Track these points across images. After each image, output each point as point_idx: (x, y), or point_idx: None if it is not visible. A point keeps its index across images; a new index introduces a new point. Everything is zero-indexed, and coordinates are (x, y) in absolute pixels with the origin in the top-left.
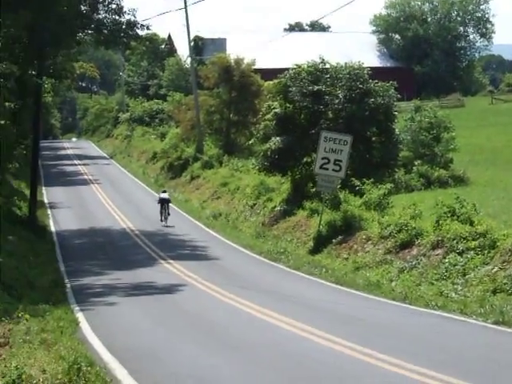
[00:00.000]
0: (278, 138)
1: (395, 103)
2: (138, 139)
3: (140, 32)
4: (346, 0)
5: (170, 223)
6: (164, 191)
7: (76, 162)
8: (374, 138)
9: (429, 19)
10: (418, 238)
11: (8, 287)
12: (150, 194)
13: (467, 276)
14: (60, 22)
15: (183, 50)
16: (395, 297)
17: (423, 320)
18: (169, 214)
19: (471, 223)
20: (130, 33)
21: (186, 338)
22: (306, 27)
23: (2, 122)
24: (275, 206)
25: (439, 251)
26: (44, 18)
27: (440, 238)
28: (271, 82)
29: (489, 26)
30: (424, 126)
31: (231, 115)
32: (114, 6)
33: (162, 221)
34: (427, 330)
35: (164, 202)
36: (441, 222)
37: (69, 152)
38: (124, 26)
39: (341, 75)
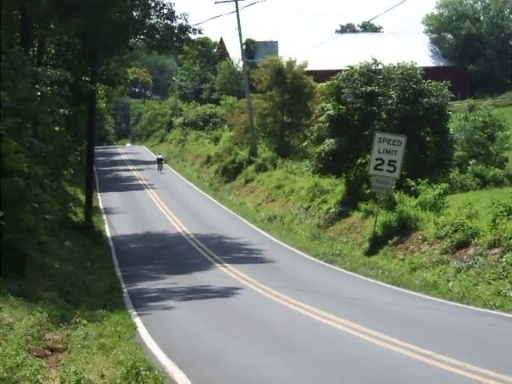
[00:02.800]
0: (331, 140)
1: (449, 103)
2: (191, 143)
3: (192, 36)
4: (397, 0)
5: (164, 172)
6: (159, 153)
7: (130, 167)
8: (428, 138)
9: (481, 18)
10: (474, 238)
11: (65, 293)
12: (204, 198)
13: None
14: (112, 29)
15: (235, 54)
16: (452, 297)
17: (481, 320)
18: (162, 168)
19: None
20: (182, 37)
21: (244, 341)
22: (358, 28)
23: (57, 128)
24: (330, 208)
25: (496, 250)
26: (96, 25)
27: (497, 238)
28: (324, 84)
29: None
30: (478, 125)
31: (284, 118)
32: (165, 11)
33: (158, 170)
34: (485, 330)
35: (159, 160)
36: (497, 221)
37: (123, 157)
38: (176, 31)
39: (394, 76)
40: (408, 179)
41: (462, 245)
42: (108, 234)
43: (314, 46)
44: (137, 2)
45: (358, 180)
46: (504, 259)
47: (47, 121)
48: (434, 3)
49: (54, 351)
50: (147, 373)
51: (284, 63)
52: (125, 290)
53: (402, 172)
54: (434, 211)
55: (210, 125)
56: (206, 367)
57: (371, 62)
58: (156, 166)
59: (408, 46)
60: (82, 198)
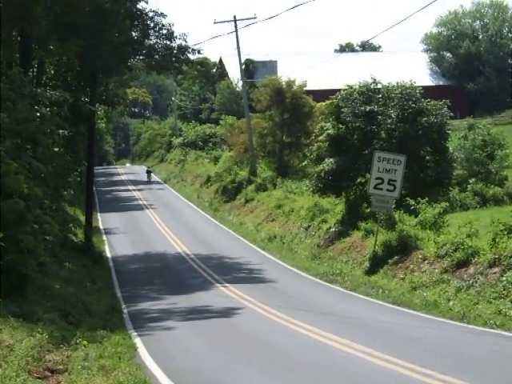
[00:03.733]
0: (331, 159)
1: (448, 122)
2: (191, 163)
3: (191, 56)
4: (396, 19)
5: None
6: (149, 167)
7: (130, 187)
8: (427, 157)
9: (480, 36)
10: (474, 257)
11: (66, 314)
12: (204, 218)
13: None
14: (111, 49)
15: (234, 74)
16: (453, 316)
17: (482, 339)
18: (150, 178)
19: None
20: (182, 57)
21: (244, 362)
22: (357, 48)
23: (57, 149)
24: (330, 228)
25: (496, 269)
26: (95, 46)
27: (497, 256)
28: (323, 104)
29: None
30: (478, 144)
31: (284, 137)
32: (164, 32)
33: (147, 179)
34: (486, 349)
35: (149, 172)
36: (497, 239)
37: (123, 178)
38: (175, 51)
39: (393, 95)
40: (408, 198)
41: (463, 264)
42: (108, 254)
43: (314, 65)
44: (136, 23)
45: (357, 199)
46: (504, 278)
47: (47, 142)
48: (432, 22)
49: (55, 372)
50: None
51: (283, 83)
52: (125, 311)
53: (402, 191)
54: (433, 230)
55: (210, 145)
56: None
57: (370, 81)
58: (146, 176)
59: (407, 65)
60: (82, 218)
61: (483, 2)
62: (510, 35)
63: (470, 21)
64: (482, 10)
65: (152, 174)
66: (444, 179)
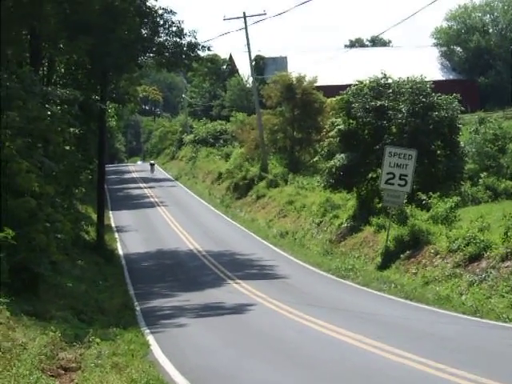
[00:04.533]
0: (342, 155)
1: (459, 116)
2: (202, 160)
3: (201, 53)
4: (406, 14)
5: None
6: (152, 161)
7: (142, 185)
8: (438, 152)
9: (490, 30)
10: (486, 251)
11: (78, 312)
12: (216, 215)
13: None
14: (121, 47)
15: (245, 70)
16: (466, 310)
17: (495, 333)
18: (153, 171)
19: None
20: (192, 54)
21: (257, 358)
22: (367, 43)
23: (68, 147)
24: (342, 223)
25: (509, 263)
26: (105, 44)
27: (509, 250)
28: (333, 99)
29: None
30: (489, 138)
31: (295, 133)
32: (174, 29)
33: (151, 172)
34: (499, 343)
35: (152, 165)
36: (509, 233)
37: (134, 175)
38: (185, 48)
39: (403, 90)
40: (419, 193)
41: (475, 258)
42: (120, 252)
43: (324, 60)
44: (145, 20)
45: (369, 194)
46: None
47: (58, 140)
48: (442, 16)
49: (68, 370)
50: None
51: (293, 79)
52: (137, 308)
53: (413, 186)
54: (445, 225)
55: (221, 141)
56: None
57: (381, 76)
58: (142, 164)
59: (417, 60)
60: (94, 216)
61: None
62: None
63: (480, 14)
64: (492, 4)
65: (155, 166)
66: (455, 173)
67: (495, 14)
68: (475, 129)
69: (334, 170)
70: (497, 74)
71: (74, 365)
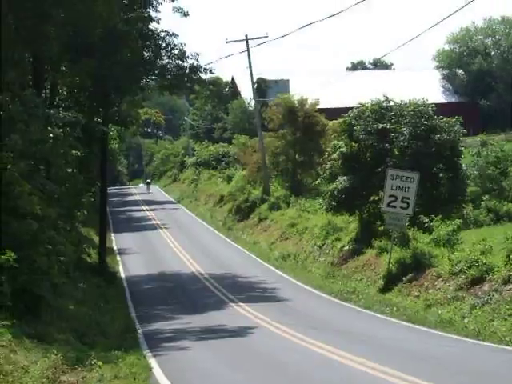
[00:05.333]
0: (344, 178)
1: (461, 138)
2: (204, 183)
3: (203, 76)
4: (407, 37)
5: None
6: (148, 179)
7: (144, 207)
8: (441, 174)
9: (492, 53)
10: (489, 274)
11: (80, 335)
12: (218, 237)
13: None
14: (124, 70)
15: (247, 93)
16: (468, 333)
17: (497, 356)
18: (149, 189)
19: None
20: (194, 77)
21: (260, 381)
22: (369, 65)
23: (70, 170)
24: (344, 246)
25: (511, 286)
26: (108, 67)
27: (511, 273)
28: (335, 122)
29: None
30: (491, 161)
31: (297, 156)
32: (176, 52)
33: (147, 190)
34: (501, 366)
35: (148, 183)
36: (511, 256)
37: (136, 198)
38: (187, 71)
39: (405, 112)
40: (421, 216)
41: (477, 281)
42: (122, 274)
43: (326, 83)
44: (148, 43)
45: (371, 217)
46: None
47: (60, 162)
48: (444, 39)
49: None
50: None
51: (295, 101)
52: (139, 331)
53: (416, 208)
54: (448, 247)
55: (223, 164)
56: None
57: (382, 99)
58: (145, 187)
59: (419, 83)
60: (96, 239)
61: (495, 19)
62: None
63: (481, 37)
64: (494, 27)
65: (151, 185)
66: (457, 196)
67: (497, 36)
68: (477, 151)
69: (336, 192)
70: (498, 97)
71: None
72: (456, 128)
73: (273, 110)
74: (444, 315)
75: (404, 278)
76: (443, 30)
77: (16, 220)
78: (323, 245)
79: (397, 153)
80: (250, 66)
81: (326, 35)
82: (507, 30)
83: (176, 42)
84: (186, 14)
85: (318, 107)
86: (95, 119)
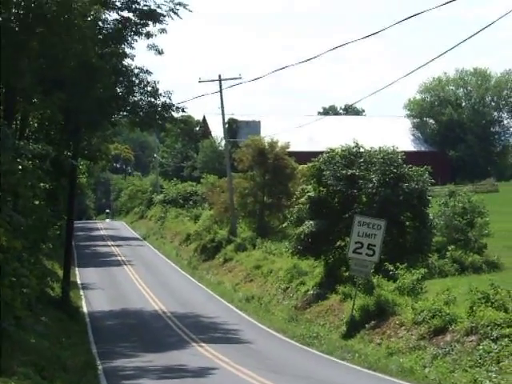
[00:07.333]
0: (311, 222)
1: (429, 188)
2: (171, 221)
3: (175, 114)
4: (380, 84)
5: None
6: (107, 210)
7: (109, 242)
8: (407, 223)
9: (463, 104)
10: (451, 324)
11: (40, 369)
12: (183, 276)
13: (501, 363)
14: (96, 105)
15: (218, 132)
16: (429, 383)
17: None
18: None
19: (506, 310)
20: (165, 115)
21: None
22: (340, 111)
23: (37, 202)
24: (308, 290)
25: (473, 338)
26: (80, 101)
27: (474, 325)
28: (305, 166)
29: None
30: (458, 211)
31: (265, 198)
32: (149, 89)
33: (106, 219)
34: None
35: (107, 213)
36: (475, 308)
37: (102, 233)
38: (159, 109)
39: (375, 159)
40: (387, 263)
41: (440, 331)
42: (85, 309)
43: (297, 127)
44: (121, 79)
45: (336, 263)
46: (481, 347)
47: (28, 195)
48: (416, 88)
49: None
50: None
51: (266, 144)
52: (100, 367)
53: (381, 256)
54: (411, 296)
55: (191, 203)
56: None
57: (353, 145)
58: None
59: (390, 130)
60: (60, 272)
61: (467, 70)
62: (492, 104)
63: (453, 88)
64: (466, 78)
65: (109, 214)
66: (423, 245)
67: (468, 87)
68: (445, 201)
69: (302, 236)
70: (468, 148)
71: None
72: (425, 177)
73: (243, 151)
74: (405, 364)
75: (367, 325)
76: (415, 79)
77: None
78: (287, 288)
79: (365, 199)
80: (222, 107)
81: (299, 79)
82: (478, 82)
83: (149, 79)
84: (160, 52)
85: (288, 150)
86: (65, 153)
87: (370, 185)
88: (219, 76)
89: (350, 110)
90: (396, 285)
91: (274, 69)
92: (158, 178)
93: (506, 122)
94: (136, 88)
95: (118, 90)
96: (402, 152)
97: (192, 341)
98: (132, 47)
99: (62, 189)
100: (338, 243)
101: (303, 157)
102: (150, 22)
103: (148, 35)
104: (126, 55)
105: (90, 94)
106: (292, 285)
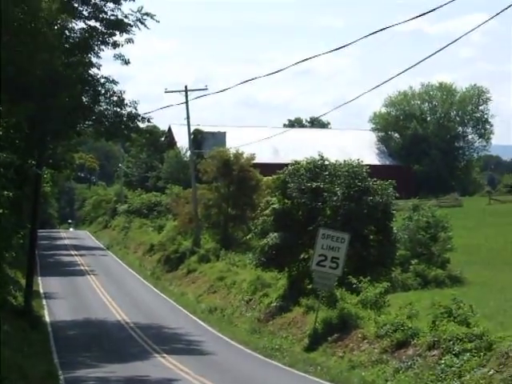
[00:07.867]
0: (275, 234)
1: (393, 202)
2: (135, 231)
3: (141, 124)
4: (346, 98)
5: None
6: (70, 220)
7: (72, 252)
8: (371, 237)
9: (428, 118)
10: (414, 338)
11: (1, 379)
12: (146, 287)
13: (463, 378)
14: (61, 114)
15: (183, 143)
16: None
17: None
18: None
19: (468, 324)
20: (131, 125)
21: None
22: (306, 123)
23: (0, 211)
24: (271, 302)
25: (435, 352)
26: (45, 110)
27: (436, 339)
28: (270, 178)
29: (487, 126)
30: (422, 225)
31: (229, 209)
32: (115, 99)
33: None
34: None
35: (70, 223)
36: (437, 322)
37: (66, 242)
38: (125, 119)
39: (339, 172)
40: (350, 276)
41: (402, 345)
42: (47, 319)
43: (262, 138)
44: (87, 88)
45: (300, 275)
46: (443, 361)
47: None
48: (381, 102)
49: None
50: None
51: (231, 155)
52: (61, 377)
53: (345, 269)
54: (374, 310)
55: (155, 213)
56: None
57: (318, 157)
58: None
59: (355, 143)
60: (23, 281)
61: (432, 85)
62: (457, 119)
63: (418, 102)
64: (431, 93)
65: (72, 224)
66: (387, 259)
67: (433, 102)
68: (409, 215)
69: (266, 248)
70: (432, 162)
71: None
72: (389, 191)
73: (208, 163)
74: (367, 377)
75: (329, 338)
76: (381, 93)
77: None
78: (251, 300)
79: (329, 212)
80: (188, 117)
81: (265, 92)
82: (444, 97)
83: (115, 89)
84: (127, 62)
85: (253, 162)
86: (29, 161)
87: (335, 198)
88: (185, 87)
89: (316, 123)
90: (359, 298)
91: (241, 81)
92: (122, 188)
93: (470, 137)
94: (102, 98)
95: (84, 99)
96: (366, 165)
97: (154, 352)
98: (99, 57)
99: (26, 197)
100: (302, 256)
101: (268, 169)
102: (117, 32)
103: (115, 45)
104: (92, 65)
105: (55, 103)
106: (255, 297)
